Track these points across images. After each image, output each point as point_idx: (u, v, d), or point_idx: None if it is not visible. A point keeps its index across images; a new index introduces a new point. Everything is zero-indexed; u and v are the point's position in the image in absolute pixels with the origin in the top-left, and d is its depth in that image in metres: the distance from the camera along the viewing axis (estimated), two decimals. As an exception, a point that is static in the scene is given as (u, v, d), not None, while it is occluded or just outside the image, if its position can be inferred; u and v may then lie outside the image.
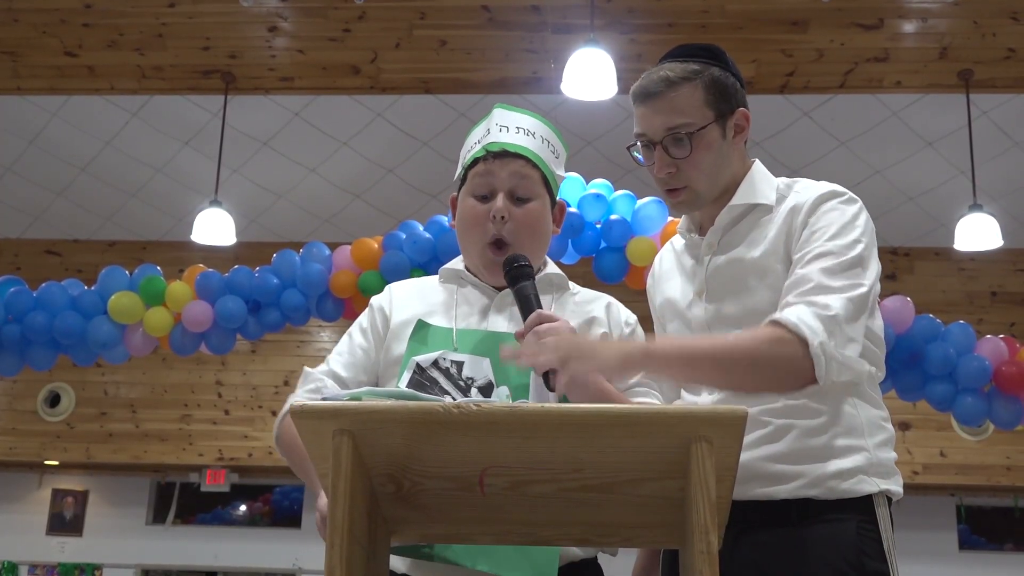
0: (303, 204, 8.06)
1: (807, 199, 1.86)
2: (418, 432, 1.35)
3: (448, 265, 2.03)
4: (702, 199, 1.92)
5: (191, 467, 8.59)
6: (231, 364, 8.42)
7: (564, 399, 1.78)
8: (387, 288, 2.04)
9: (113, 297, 5.34)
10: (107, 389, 8.52)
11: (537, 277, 1.88)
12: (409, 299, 1.97)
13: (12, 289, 5.42)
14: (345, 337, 1.98)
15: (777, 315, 1.70)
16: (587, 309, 1.94)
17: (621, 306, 2.01)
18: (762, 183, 1.95)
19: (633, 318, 2.00)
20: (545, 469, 1.40)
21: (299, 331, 8.21)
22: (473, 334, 1.87)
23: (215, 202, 6.75)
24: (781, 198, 1.93)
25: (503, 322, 1.89)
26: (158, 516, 9.10)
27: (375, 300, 2.01)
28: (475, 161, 1.93)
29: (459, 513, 1.50)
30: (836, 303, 1.69)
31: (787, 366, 1.67)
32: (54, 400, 8.53)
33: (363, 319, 1.98)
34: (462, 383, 1.79)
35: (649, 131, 1.89)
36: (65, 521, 9.01)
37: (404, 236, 5.29)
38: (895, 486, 1.83)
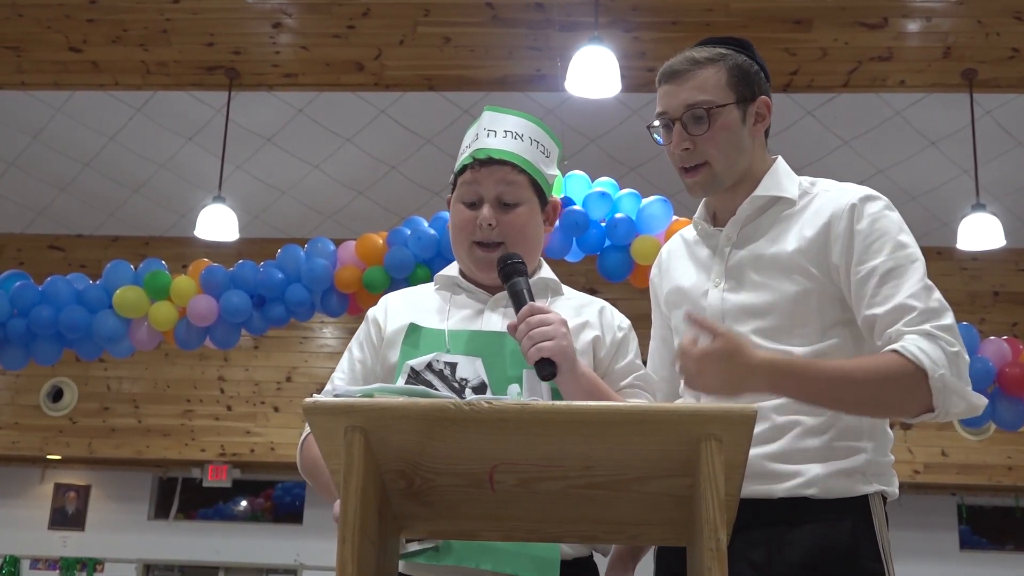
0: (306, 200, 8.07)
1: (844, 203, 1.87)
2: (429, 429, 1.36)
3: (443, 272, 2.05)
4: (719, 180, 1.92)
5: (193, 462, 8.60)
6: (234, 360, 8.44)
7: (555, 392, 1.80)
8: (382, 299, 2.07)
9: (118, 291, 5.36)
10: (110, 384, 8.53)
11: (531, 280, 1.89)
12: (403, 307, 1.99)
13: (17, 283, 5.43)
14: (345, 353, 2.01)
15: (897, 345, 1.72)
16: (581, 313, 1.95)
17: (615, 310, 2.02)
18: (786, 178, 1.96)
19: (626, 322, 2.00)
20: (554, 466, 1.41)
21: (302, 327, 8.22)
22: (465, 335, 1.88)
23: (218, 198, 6.76)
24: (804, 194, 1.94)
25: (497, 322, 1.91)
26: (160, 511, 9.12)
27: (370, 312, 2.03)
28: (464, 168, 1.96)
29: (468, 509, 1.51)
30: (955, 339, 1.74)
31: (907, 394, 1.71)
32: (57, 395, 8.54)
33: (359, 332, 2.01)
34: (456, 384, 1.80)
35: (670, 108, 1.91)
36: (67, 516, 9.03)
37: (409, 232, 5.29)
38: (891, 487, 1.85)
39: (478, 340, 1.86)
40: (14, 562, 8.72)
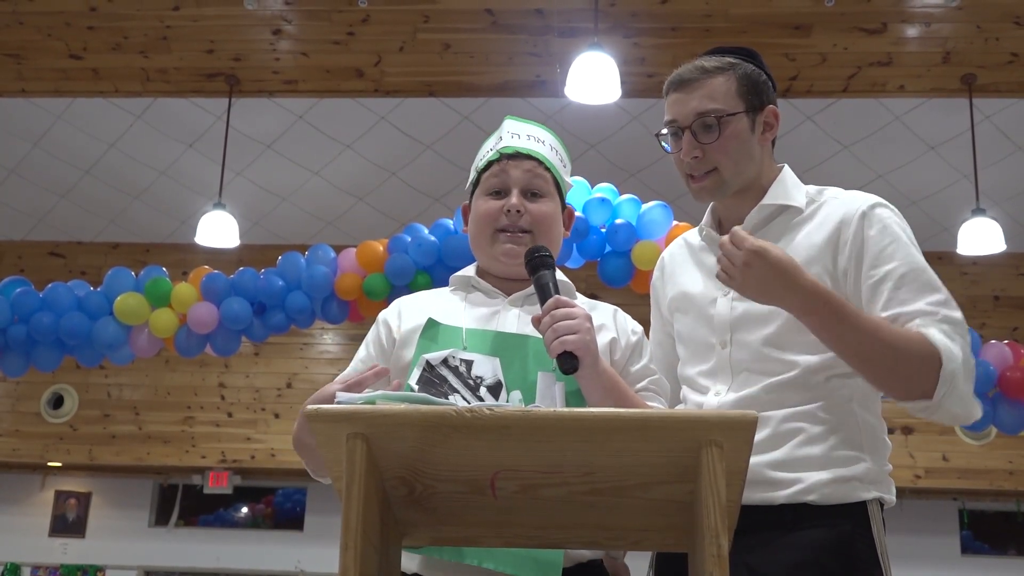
0: (306, 207, 8.08)
1: (854, 210, 1.88)
2: (431, 436, 1.36)
3: (459, 272, 2.06)
4: (726, 186, 1.94)
5: (194, 469, 8.60)
6: (234, 366, 8.44)
7: (574, 393, 1.79)
8: (395, 302, 2.07)
9: (119, 298, 5.36)
10: (110, 391, 8.53)
11: None
12: (417, 308, 1.99)
13: (18, 290, 5.43)
14: (356, 355, 2.02)
15: (923, 329, 1.75)
16: (595, 315, 1.94)
17: (627, 315, 2.03)
18: (793, 187, 1.98)
19: (639, 327, 2.01)
20: (556, 472, 1.41)
21: (302, 334, 8.23)
22: (483, 334, 1.88)
23: (219, 205, 6.77)
24: (811, 202, 1.95)
25: (512, 323, 1.91)
26: (161, 518, 9.11)
27: (381, 314, 2.04)
28: (488, 165, 1.98)
29: (470, 516, 1.51)
30: (971, 351, 1.78)
31: (918, 373, 1.74)
32: (57, 402, 8.54)
33: (369, 334, 2.01)
34: (471, 382, 1.80)
35: (680, 116, 1.92)
36: (68, 523, 9.02)
37: (409, 239, 5.30)
38: (889, 494, 1.86)
39: (496, 341, 1.86)
40: (15, 569, 8.72)
